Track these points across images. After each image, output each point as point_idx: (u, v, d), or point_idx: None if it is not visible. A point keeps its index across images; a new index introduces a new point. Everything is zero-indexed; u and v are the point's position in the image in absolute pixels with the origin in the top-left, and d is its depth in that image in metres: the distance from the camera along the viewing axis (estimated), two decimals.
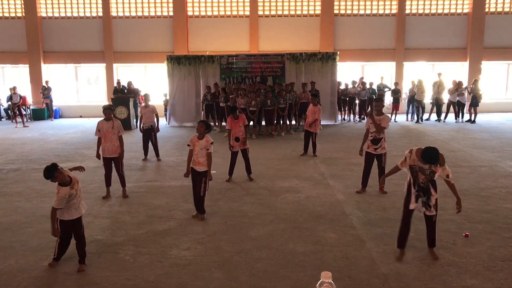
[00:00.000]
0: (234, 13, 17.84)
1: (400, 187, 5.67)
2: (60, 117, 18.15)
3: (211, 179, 5.57)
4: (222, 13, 17.87)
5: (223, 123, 12.90)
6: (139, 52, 17.85)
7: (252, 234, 4.93)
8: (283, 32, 17.64)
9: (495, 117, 15.82)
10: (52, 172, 3.95)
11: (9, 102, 15.97)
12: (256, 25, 17.64)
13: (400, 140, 11.14)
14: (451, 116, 15.32)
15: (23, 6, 17.81)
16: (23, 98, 16.32)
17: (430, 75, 17.07)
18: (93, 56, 18.02)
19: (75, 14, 17.99)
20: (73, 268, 4.12)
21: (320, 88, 13.71)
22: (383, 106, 6.91)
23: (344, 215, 5.53)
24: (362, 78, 16.01)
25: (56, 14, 18.01)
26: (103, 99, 17.80)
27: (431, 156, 3.84)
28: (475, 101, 14.83)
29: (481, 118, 15.23)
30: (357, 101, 15.54)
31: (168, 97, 15.10)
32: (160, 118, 10.14)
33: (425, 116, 15.46)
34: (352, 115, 15.86)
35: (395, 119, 15.10)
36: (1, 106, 17.75)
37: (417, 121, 14.98)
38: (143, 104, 9.51)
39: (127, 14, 17.94)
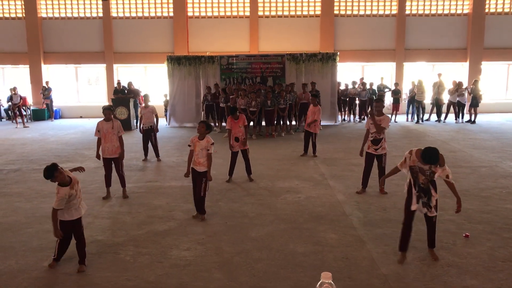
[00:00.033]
0: (234, 13, 17.85)
1: (400, 187, 5.67)
2: (61, 117, 18.16)
3: (211, 180, 5.58)
4: (222, 13, 17.88)
5: (223, 124, 12.91)
6: (139, 53, 17.86)
7: (252, 235, 4.93)
8: (283, 32, 17.64)
9: (495, 118, 15.82)
10: (52, 172, 3.95)
11: (10, 103, 15.98)
12: (256, 26, 17.65)
13: (400, 141, 11.14)
14: (451, 117, 15.32)
15: (23, 7, 17.82)
16: (23, 99, 16.33)
17: (430, 75, 17.07)
18: (93, 57, 18.03)
19: (76, 15, 18.00)
20: (73, 269, 4.12)
21: (320, 89, 13.72)
22: (383, 106, 6.91)
23: (344, 216, 5.53)
24: (362, 78, 16.02)
25: (57, 15, 18.03)
26: (104, 100, 17.80)
27: (431, 156, 3.84)
28: (475, 102, 14.83)
29: (481, 118, 15.23)
30: (357, 102, 15.54)
31: (168, 98, 15.11)
32: (160, 119, 10.15)
33: (425, 116, 15.46)
34: (352, 116, 15.86)
35: (395, 119, 15.10)
36: (1, 107, 17.77)
37: (417, 122, 14.98)
38: (143, 105, 9.52)
39: (127, 14, 17.95)
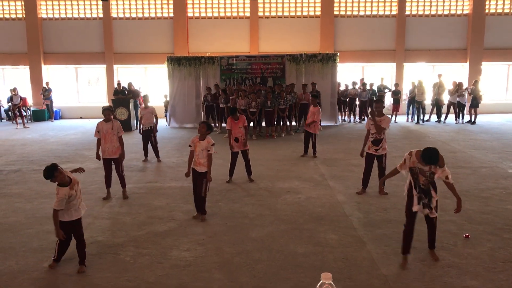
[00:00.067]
0: (234, 14, 17.86)
1: (400, 188, 5.67)
2: (61, 118, 18.16)
3: (211, 181, 5.58)
4: (222, 14, 17.89)
5: (223, 124, 12.91)
6: (140, 53, 17.87)
7: (252, 235, 4.93)
8: (283, 33, 17.65)
9: (496, 118, 15.82)
10: (52, 172, 3.96)
11: (10, 103, 15.99)
12: (256, 26, 17.66)
13: (400, 141, 11.14)
14: (451, 117, 15.32)
15: (23, 8, 17.83)
16: (23, 99, 16.33)
17: (430, 76, 17.07)
18: (93, 57, 18.03)
19: (76, 15, 18.01)
20: (73, 269, 4.12)
21: (320, 89, 13.72)
22: (383, 107, 6.92)
23: (345, 216, 5.53)
24: (362, 79, 16.03)
25: (57, 15, 18.03)
26: (104, 100, 17.81)
27: (431, 156, 3.83)
28: (475, 102, 14.83)
29: (481, 119, 15.23)
30: (357, 102, 15.55)
31: (168, 98, 15.11)
32: (160, 119, 10.15)
33: (425, 117, 15.45)
34: (352, 116, 15.87)
35: (395, 120, 15.10)
36: (1, 107, 17.78)
37: (417, 122, 14.98)
38: (143, 105, 9.53)
39: (127, 15, 17.95)
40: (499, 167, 8.11)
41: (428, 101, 15.50)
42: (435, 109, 15.38)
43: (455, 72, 17.48)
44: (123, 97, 14.68)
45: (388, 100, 16.36)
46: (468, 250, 4.43)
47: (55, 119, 17.58)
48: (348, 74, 17.21)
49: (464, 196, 5.54)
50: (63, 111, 18.35)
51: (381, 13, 17.65)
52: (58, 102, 18.01)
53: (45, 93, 16.99)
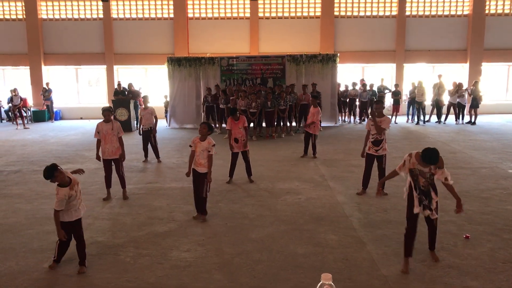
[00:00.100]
0: (235, 15, 17.87)
1: (400, 188, 5.67)
2: (61, 119, 18.16)
3: (211, 181, 5.58)
4: (222, 15, 17.90)
5: (223, 125, 12.91)
6: (140, 54, 17.88)
7: (252, 236, 4.93)
8: (284, 34, 17.65)
9: (496, 119, 15.82)
10: (52, 172, 3.96)
11: (10, 104, 16.00)
12: (256, 27, 17.66)
13: (400, 142, 11.14)
14: (451, 118, 15.32)
15: (23, 8, 17.84)
16: (23, 100, 16.34)
17: (430, 76, 17.07)
18: (93, 58, 18.04)
19: (76, 16, 18.01)
20: (73, 270, 4.12)
21: (320, 90, 13.72)
22: (383, 108, 6.92)
23: (345, 217, 5.53)
24: (363, 79, 16.02)
25: (57, 16, 18.04)
26: (104, 101, 17.81)
27: (431, 156, 3.83)
28: (475, 103, 14.82)
29: (481, 119, 15.23)
30: (357, 103, 15.55)
31: (168, 99, 15.11)
32: (160, 120, 10.14)
33: (426, 117, 15.45)
34: (352, 117, 15.87)
35: (395, 120, 15.10)
36: (1, 108, 17.79)
37: (417, 123, 14.98)
38: (143, 106, 9.53)
39: (127, 16, 17.96)
40: (499, 167, 8.11)
41: (428, 101, 15.50)
42: (435, 109, 15.39)
43: (455, 73, 17.48)
44: (123, 97, 14.68)
45: (388, 100, 16.36)
46: (468, 251, 4.43)
47: (55, 119, 17.58)
48: (348, 75, 17.21)
49: (464, 197, 5.55)
50: (63, 111, 18.35)
51: (381, 13, 17.66)
52: (59, 102, 18.02)
53: (45, 93, 17.00)
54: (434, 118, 15.49)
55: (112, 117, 6.44)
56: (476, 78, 16.34)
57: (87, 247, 4.26)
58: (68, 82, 18.68)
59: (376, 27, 17.60)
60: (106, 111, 6.36)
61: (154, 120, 9.14)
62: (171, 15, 17.81)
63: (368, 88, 15.26)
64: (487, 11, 17.34)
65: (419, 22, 17.55)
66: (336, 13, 17.60)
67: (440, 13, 17.59)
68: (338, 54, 14.97)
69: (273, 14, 17.84)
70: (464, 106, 15.08)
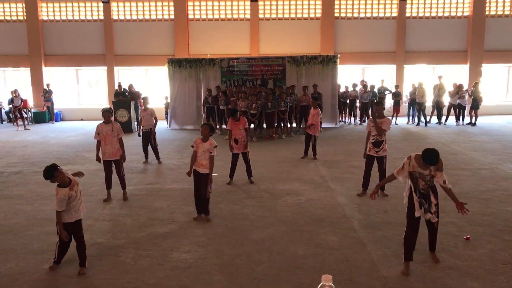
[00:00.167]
0: (235, 16, 17.88)
1: (400, 189, 5.67)
2: (61, 120, 18.17)
3: (211, 182, 5.58)
4: (223, 16, 17.91)
5: (224, 126, 12.91)
6: (140, 55, 17.89)
7: (252, 237, 4.93)
8: (284, 35, 17.66)
9: (496, 120, 15.82)
10: (52, 172, 3.97)
11: (11, 105, 16.00)
12: (256, 28, 17.68)
13: (400, 143, 11.14)
14: (452, 119, 15.31)
15: (24, 10, 17.85)
16: (24, 101, 16.33)
17: (430, 78, 17.07)
18: (94, 59, 18.06)
19: (76, 17, 18.03)
20: (73, 271, 4.12)
21: (320, 91, 13.70)
22: (384, 109, 6.92)
23: (345, 218, 5.53)
24: (363, 80, 16.02)
25: (58, 17, 18.06)
26: (104, 102, 17.80)
27: (431, 157, 3.82)
28: (475, 104, 14.82)
29: (481, 120, 15.23)
30: (357, 104, 15.56)
31: (169, 100, 15.12)
32: (161, 121, 10.15)
33: (426, 118, 15.44)
34: (352, 118, 15.87)
35: (395, 122, 15.10)
36: (2, 109, 17.80)
37: (418, 124, 14.98)
38: (143, 107, 9.54)
39: (128, 17, 17.97)
40: (500, 168, 8.10)
41: (428, 103, 15.50)
42: (435, 111, 15.39)
43: (455, 74, 17.47)
44: (123, 99, 14.69)
45: (389, 102, 16.36)
46: (469, 252, 4.43)
47: (56, 121, 17.59)
48: (349, 76, 17.22)
49: (465, 198, 5.54)
50: (63, 113, 18.36)
51: (381, 15, 17.66)
52: (59, 104, 18.02)
53: (46, 95, 17.00)
54: (434, 119, 15.49)
55: (112, 118, 6.44)
56: (476, 79, 16.34)
57: (87, 248, 4.26)
58: (68, 83, 18.70)
59: (376, 29, 17.61)
60: (106, 112, 6.36)
61: (154, 121, 9.15)
62: (172, 16, 17.82)
63: (369, 89, 15.27)
64: (487, 12, 17.35)
65: (419, 24, 17.56)
66: (336, 15, 17.61)
67: (440, 14, 17.60)
68: (339, 55, 14.98)
69: (274, 16, 17.85)
70: (464, 107, 15.08)
